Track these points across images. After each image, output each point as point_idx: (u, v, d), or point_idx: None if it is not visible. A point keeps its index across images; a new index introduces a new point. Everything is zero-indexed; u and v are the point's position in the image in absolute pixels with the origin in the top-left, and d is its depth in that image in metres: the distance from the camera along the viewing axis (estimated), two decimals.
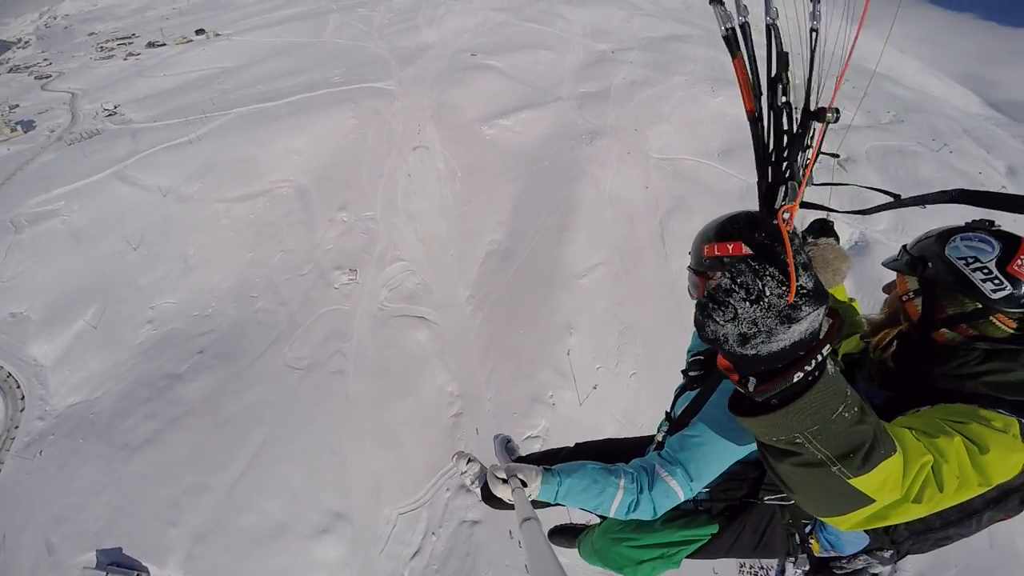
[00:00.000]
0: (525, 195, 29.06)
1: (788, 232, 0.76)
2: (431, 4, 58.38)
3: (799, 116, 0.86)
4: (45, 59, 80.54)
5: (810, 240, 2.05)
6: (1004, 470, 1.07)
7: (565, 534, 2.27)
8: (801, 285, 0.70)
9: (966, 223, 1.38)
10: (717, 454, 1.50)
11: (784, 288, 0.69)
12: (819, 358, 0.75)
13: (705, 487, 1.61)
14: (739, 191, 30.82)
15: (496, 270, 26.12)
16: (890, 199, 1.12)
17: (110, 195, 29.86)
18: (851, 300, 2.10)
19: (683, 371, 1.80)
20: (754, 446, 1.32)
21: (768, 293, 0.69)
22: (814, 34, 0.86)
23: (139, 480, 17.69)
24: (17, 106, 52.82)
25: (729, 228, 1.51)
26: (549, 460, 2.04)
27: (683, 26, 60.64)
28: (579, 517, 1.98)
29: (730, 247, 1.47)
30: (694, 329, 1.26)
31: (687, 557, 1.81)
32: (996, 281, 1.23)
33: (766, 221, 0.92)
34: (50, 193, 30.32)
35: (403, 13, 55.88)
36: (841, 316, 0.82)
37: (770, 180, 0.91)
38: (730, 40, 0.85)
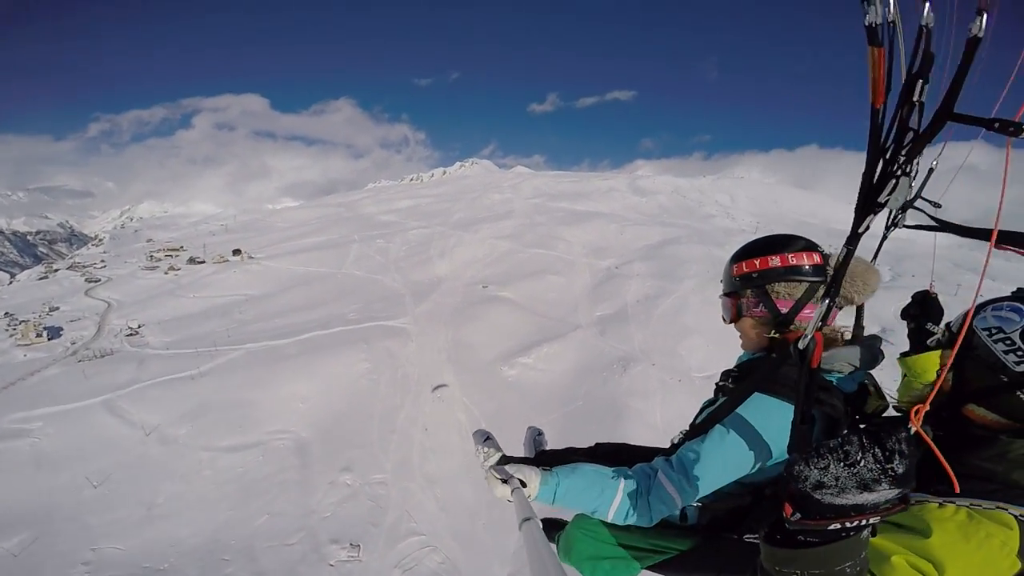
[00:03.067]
0: (564, 444, 23.80)
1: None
2: (442, 235, 61.27)
3: (930, 117, 0.78)
4: (102, 261, 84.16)
5: (833, 250, 1.58)
6: None
7: (551, 527, 2.05)
8: (894, 469, 0.76)
9: (1013, 292, 1.25)
10: (722, 467, 1.39)
11: (877, 467, 0.77)
12: (863, 523, 0.81)
13: (698, 501, 1.50)
14: None
15: None
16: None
17: (91, 425, 26.65)
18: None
19: (716, 383, 1.70)
20: (758, 465, 1.37)
21: (861, 465, 0.77)
22: (974, 42, 0.74)
23: None
24: (57, 308, 52.02)
25: (751, 248, 1.58)
26: (564, 457, 2.01)
27: (669, 228, 62.82)
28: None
29: (756, 262, 1.53)
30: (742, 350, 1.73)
31: (648, 567, 1.66)
32: (1019, 353, 1.09)
33: (890, 426, 0.83)
34: (31, 412, 27.79)
35: (417, 245, 58.03)
36: (909, 501, 0.83)
37: (879, 174, 0.81)
38: (872, 30, 0.75)
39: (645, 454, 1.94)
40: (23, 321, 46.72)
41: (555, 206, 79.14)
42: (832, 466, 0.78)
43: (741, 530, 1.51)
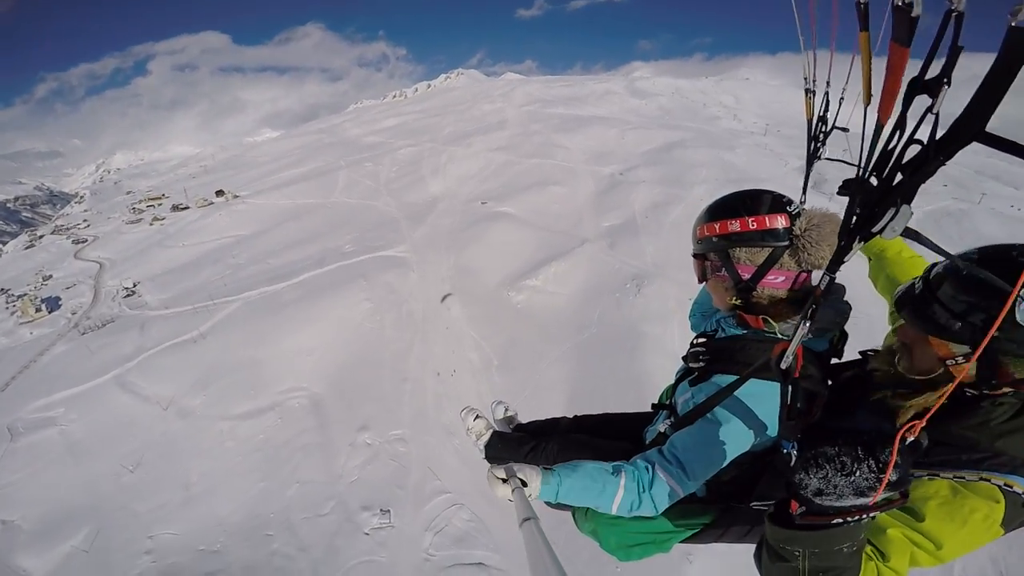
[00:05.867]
0: (581, 378, 22.61)
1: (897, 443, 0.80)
2: (432, 153, 56.17)
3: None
4: (85, 221, 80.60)
5: (804, 208, 1.46)
6: (956, 554, 1.02)
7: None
8: (888, 478, 0.79)
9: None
10: (717, 455, 1.38)
11: (872, 476, 0.80)
12: (864, 518, 0.85)
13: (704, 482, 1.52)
14: None
15: None
16: None
17: (109, 405, 25.37)
18: (913, 256, 1.67)
19: (684, 357, 1.60)
20: (753, 444, 1.35)
21: (857, 475, 0.80)
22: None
23: None
24: (50, 277, 49.79)
25: (716, 208, 1.49)
26: (547, 431, 2.04)
27: (673, 131, 57.94)
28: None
29: (716, 226, 1.44)
30: (701, 287, 1.69)
31: (680, 542, 1.70)
32: None
33: (881, 437, 0.83)
34: (51, 397, 26.57)
35: (408, 165, 53.17)
36: (907, 496, 0.86)
37: (872, 197, 0.68)
38: (906, 19, 0.59)
39: (627, 424, 1.94)
40: (20, 296, 44.38)
41: (550, 112, 72.50)
42: (831, 475, 0.81)
43: (750, 499, 1.47)
